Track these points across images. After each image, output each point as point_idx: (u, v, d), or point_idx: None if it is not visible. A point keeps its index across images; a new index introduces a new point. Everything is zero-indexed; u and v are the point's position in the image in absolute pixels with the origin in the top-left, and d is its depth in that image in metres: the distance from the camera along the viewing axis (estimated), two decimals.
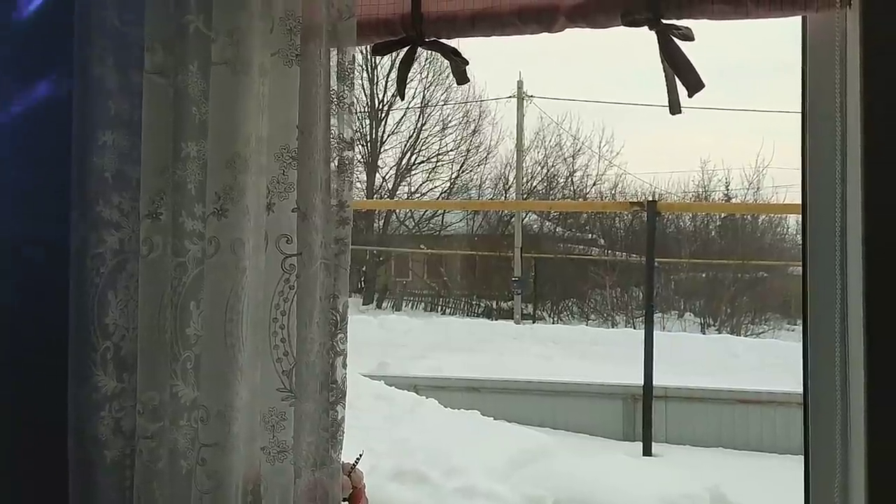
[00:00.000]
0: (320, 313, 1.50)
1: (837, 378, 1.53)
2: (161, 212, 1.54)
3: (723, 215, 20.31)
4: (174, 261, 1.52)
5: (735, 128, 27.48)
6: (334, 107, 1.54)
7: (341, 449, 1.51)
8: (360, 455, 1.71)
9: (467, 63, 1.72)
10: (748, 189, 20.21)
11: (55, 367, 1.61)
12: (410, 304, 21.38)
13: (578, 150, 21.76)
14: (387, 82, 21.08)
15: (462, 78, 1.73)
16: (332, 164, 1.54)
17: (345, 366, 1.50)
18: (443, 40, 1.68)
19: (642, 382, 8.82)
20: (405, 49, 1.70)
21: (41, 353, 1.71)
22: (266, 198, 1.48)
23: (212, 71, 1.48)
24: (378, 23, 1.67)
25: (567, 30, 1.61)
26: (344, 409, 1.49)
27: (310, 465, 1.49)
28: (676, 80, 1.56)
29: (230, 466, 1.44)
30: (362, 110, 21.11)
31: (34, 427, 1.73)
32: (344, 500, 1.61)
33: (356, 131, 1.59)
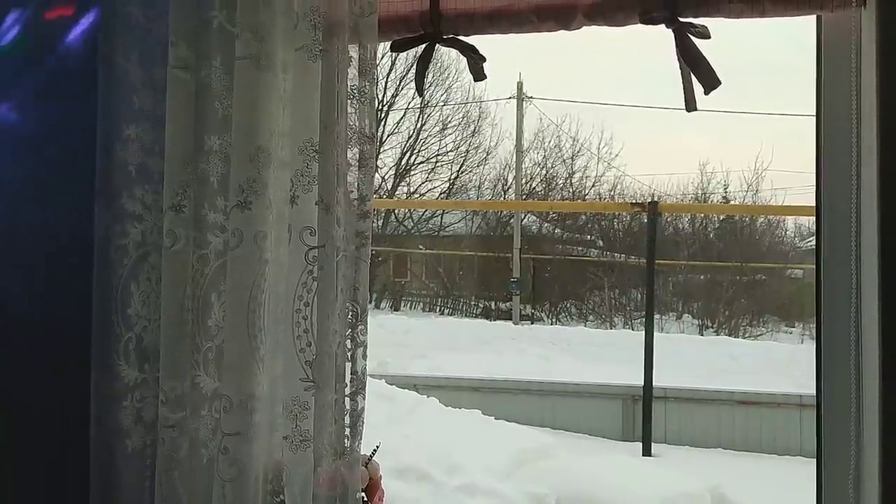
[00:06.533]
0: (341, 305, 1.52)
1: (852, 379, 1.52)
2: (184, 204, 1.56)
3: (721, 218, 20.31)
4: (196, 253, 1.55)
5: (734, 130, 27.49)
6: (356, 101, 1.56)
7: (361, 439, 1.52)
8: (377, 447, 1.73)
9: (484, 60, 1.74)
10: (747, 191, 20.24)
11: (77, 357, 1.63)
12: (409, 305, 21.39)
13: (577, 152, 21.80)
14: (386, 82, 21.09)
15: (479, 74, 1.75)
16: (354, 159, 1.55)
17: (365, 357, 1.52)
18: (461, 37, 1.70)
19: (642, 383, 8.83)
20: (423, 46, 1.72)
21: (63, 343, 1.73)
22: (290, 191, 1.50)
23: (235, 66, 1.50)
24: (397, 19, 1.69)
25: (584, 27, 1.63)
26: (364, 399, 1.51)
27: (330, 454, 1.51)
28: (692, 78, 1.58)
29: (252, 455, 1.46)
30: None
31: (55, 416, 1.75)
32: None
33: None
